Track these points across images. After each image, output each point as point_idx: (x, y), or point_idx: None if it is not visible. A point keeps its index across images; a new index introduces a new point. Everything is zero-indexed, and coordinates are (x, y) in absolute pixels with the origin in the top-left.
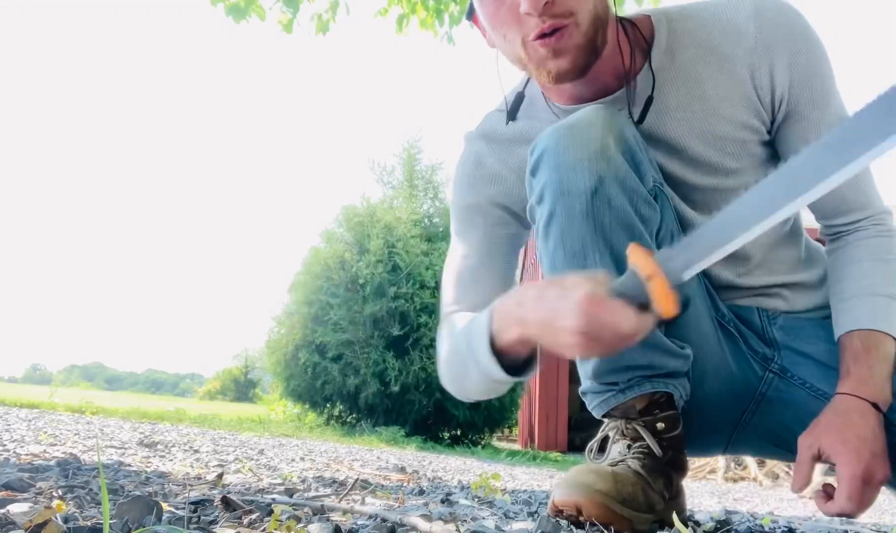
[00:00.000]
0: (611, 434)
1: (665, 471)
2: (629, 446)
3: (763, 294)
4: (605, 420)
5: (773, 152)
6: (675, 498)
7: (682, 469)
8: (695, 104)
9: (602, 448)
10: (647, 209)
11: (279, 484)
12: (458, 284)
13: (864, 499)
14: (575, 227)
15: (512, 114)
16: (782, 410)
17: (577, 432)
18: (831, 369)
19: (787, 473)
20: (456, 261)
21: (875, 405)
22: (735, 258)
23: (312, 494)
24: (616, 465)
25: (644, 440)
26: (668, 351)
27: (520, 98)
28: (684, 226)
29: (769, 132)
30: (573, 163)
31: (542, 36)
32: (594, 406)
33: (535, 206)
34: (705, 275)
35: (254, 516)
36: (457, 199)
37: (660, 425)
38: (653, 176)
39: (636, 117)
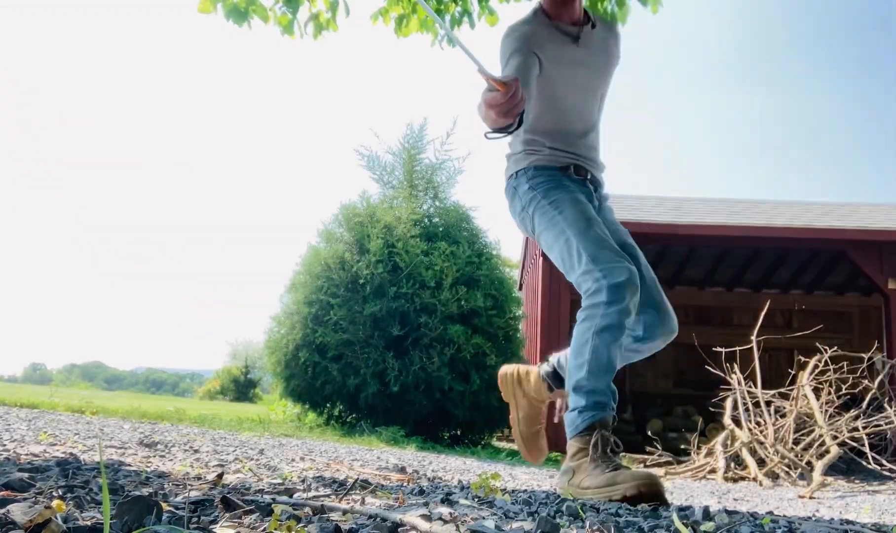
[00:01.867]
0: (610, 439)
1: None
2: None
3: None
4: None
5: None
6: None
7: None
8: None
9: (606, 448)
10: None
11: (279, 484)
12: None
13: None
14: None
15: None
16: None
17: None
18: None
19: (786, 472)
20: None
21: None
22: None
23: (312, 493)
24: (618, 468)
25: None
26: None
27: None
28: (556, 99)
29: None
30: None
31: None
32: (586, 419)
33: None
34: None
35: (254, 516)
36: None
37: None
38: None
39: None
